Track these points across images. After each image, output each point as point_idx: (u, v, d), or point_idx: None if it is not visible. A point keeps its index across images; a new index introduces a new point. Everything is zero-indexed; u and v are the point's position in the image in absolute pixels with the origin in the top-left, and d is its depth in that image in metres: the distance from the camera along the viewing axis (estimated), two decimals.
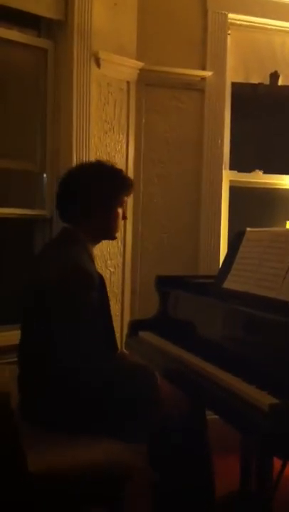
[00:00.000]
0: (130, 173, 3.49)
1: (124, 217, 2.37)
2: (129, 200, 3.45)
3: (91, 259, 2.24)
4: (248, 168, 3.87)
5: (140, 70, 3.48)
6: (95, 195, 2.25)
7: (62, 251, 2.17)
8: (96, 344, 2.03)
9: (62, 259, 2.12)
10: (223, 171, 3.72)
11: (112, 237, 2.41)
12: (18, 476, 1.83)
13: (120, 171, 2.38)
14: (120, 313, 3.51)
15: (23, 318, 2.24)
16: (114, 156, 3.44)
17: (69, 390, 1.97)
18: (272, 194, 3.93)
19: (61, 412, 2.01)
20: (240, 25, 3.74)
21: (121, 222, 2.36)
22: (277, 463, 2.42)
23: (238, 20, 3.72)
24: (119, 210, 2.32)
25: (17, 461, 1.83)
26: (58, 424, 2.02)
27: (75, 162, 3.21)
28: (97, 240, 2.35)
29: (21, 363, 2.22)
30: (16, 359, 2.37)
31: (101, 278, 2.25)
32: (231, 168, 3.81)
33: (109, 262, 3.44)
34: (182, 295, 2.70)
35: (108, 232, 2.35)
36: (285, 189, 3.93)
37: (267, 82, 3.83)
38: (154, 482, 2.07)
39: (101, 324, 2.17)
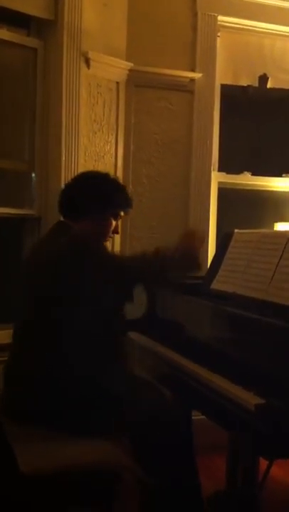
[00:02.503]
0: (119, 174, 3.49)
1: (116, 232, 2.49)
2: None
3: None
4: (236, 170, 3.89)
5: (130, 70, 3.49)
6: (96, 197, 2.37)
7: (66, 233, 2.28)
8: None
9: (68, 236, 2.25)
10: (212, 173, 3.73)
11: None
12: (9, 477, 1.82)
13: (125, 188, 2.52)
14: None
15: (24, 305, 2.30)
16: (104, 157, 3.45)
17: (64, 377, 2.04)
18: (260, 196, 3.95)
19: (53, 406, 2.04)
20: (230, 27, 3.75)
21: (110, 234, 2.47)
22: (263, 462, 2.43)
23: (228, 22, 3.73)
24: (113, 221, 2.43)
25: (6, 460, 1.83)
26: (48, 420, 2.04)
27: (64, 162, 3.22)
28: None
29: (16, 353, 2.25)
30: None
31: None
32: (220, 169, 3.82)
33: None
34: (170, 296, 2.71)
35: (97, 236, 2.41)
36: (274, 191, 3.95)
37: (256, 84, 3.85)
38: (142, 481, 2.07)
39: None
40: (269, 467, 2.37)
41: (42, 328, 2.15)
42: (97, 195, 2.38)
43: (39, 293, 2.20)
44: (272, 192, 3.95)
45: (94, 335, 2.14)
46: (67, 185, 2.50)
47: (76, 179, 2.52)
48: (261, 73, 3.85)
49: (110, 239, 2.61)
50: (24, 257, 2.58)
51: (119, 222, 2.53)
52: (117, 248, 3.51)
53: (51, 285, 2.14)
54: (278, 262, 2.16)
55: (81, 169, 3.29)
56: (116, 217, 2.44)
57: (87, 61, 3.30)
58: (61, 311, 2.12)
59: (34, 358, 2.14)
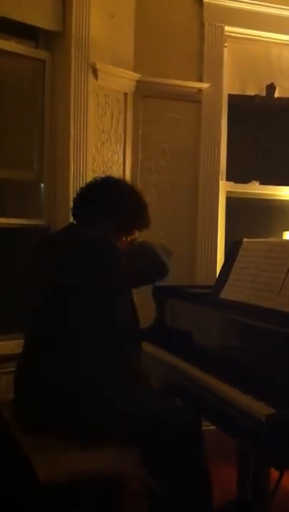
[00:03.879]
0: None
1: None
2: None
3: None
4: (244, 179, 3.89)
5: (137, 81, 3.50)
6: (122, 210, 2.34)
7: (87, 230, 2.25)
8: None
9: (91, 235, 2.18)
10: (220, 182, 3.73)
11: None
12: (26, 484, 1.82)
13: (147, 207, 2.47)
14: None
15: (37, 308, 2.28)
16: (112, 167, 3.46)
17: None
18: (268, 205, 3.95)
19: (60, 415, 2.04)
20: (237, 37, 3.77)
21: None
22: (274, 472, 2.41)
23: (235, 32, 3.74)
24: (123, 237, 2.40)
25: (21, 469, 1.83)
26: (55, 428, 2.04)
27: (72, 172, 3.23)
28: None
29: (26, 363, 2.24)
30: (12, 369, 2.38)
31: None
32: (228, 178, 3.82)
33: None
34: (179, 305, 2.71)
35: None
36: (282, 200, 3.95)
37: (263, 93, 3.86)
38: (149, 489, 2.06)
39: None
40: (280, 478, 2.35)
41: (54, 339, 2.14)
42: (123, 212, 2.35)
43: (57, 281, 2.18)
44: (280, 201, 3.95)
45: (106, 349, 2.14)
46: (93, 186, 2.42)
47: (106, 185, 2.43)
48: (268, 82, 3.85)
49: None
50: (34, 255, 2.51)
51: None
52: None
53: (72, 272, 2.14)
54: (287, 271, 2.15)
55: (89, 179, 3.30)
56: (128, 234, 2.42)
57: (94, 72, 3.31)
58: (75, 304, 2.13)
59: (44, 369, 2.13)
